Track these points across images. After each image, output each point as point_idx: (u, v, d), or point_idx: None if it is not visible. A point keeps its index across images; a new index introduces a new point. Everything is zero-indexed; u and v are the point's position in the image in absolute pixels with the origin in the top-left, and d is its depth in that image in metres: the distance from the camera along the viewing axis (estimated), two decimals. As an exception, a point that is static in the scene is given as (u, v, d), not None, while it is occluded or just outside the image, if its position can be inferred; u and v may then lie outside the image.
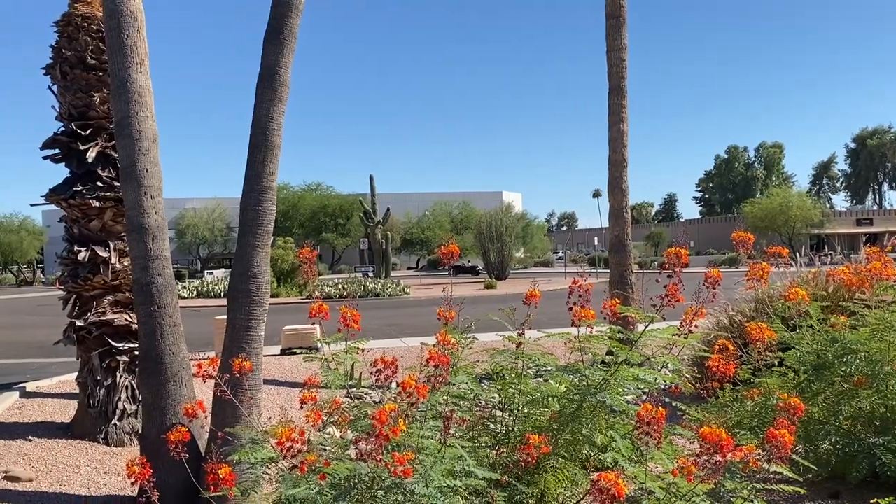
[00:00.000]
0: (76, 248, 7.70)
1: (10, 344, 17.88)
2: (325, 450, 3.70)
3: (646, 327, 4.05)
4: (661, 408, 3.08)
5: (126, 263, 7.57)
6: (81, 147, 7.66)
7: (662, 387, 4.25)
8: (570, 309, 3.84)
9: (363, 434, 3.12)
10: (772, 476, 3.64)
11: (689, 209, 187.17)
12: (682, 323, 3.95)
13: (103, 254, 7.65)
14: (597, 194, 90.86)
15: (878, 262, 5.82)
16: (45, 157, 7.90)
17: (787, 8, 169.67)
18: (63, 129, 7.90)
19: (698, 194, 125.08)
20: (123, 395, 7.53)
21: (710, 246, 72.25)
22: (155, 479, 3.19)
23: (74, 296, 7.82)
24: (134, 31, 5.86)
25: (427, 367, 3.45)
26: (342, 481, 3.12)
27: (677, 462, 3.21)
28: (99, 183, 7.67)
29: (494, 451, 4.10)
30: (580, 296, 3.84)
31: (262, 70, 5.45)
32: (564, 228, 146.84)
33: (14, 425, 7.99)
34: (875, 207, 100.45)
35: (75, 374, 8.15)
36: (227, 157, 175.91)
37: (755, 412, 4.93)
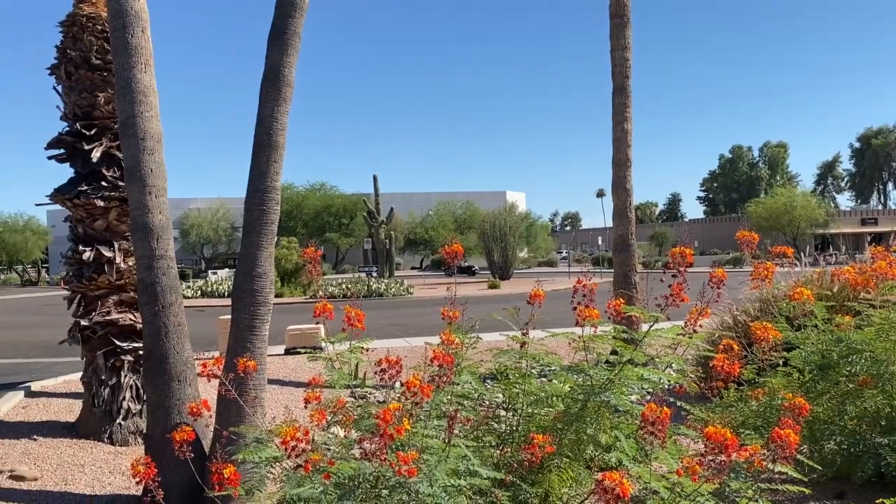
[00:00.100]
0: (81, 247, 7.72)
1: (16, 343, 17.93)
2: (329, 449, 3.70)
3: (650, 327, 4.04)
4: (665, 407, 3.07)
5: (131, 263, 7.59)
6: (86, 147, 7.68)
7: (667, 386, 4.24)
8: (575, 308, 3.83)
9: (367, 433, 3.12)
10: (776, 476, 3.63)
11: (693, 209, 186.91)
12: (686, 322, 3.94)
13: (108, 253, 7.67)
14: (601, 194, 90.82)
15: (883, 261, 5.80)
16: (49, 157, 7.93)
17: (791, 7, 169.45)
18: (68, 129, 7.93)
19: (702, 194, 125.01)
20: (128, 395, 7.55)
21: (713, 246, 72.18)
22: (159, 479, 3.20)
23: (79, 295, 7.84)
24: (138, 31, 5.87)
25: (431, 366, 3.45)
26: (346, 480, 3.12)
27: (682, 462, 3.20)
28: (104, 183, 7.69)
29: (499, 451, 4.10)
30: (584, 295, 3.83)
31: (266, 70, 5.46)
32: (568, 228, 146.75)
33: (19, 424, 8.01)
34: (880, 207, 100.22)
35: (80, 374, 8.18)
36: (231, 157, 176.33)
37: (760, 412, 4.92)
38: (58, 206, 8.11)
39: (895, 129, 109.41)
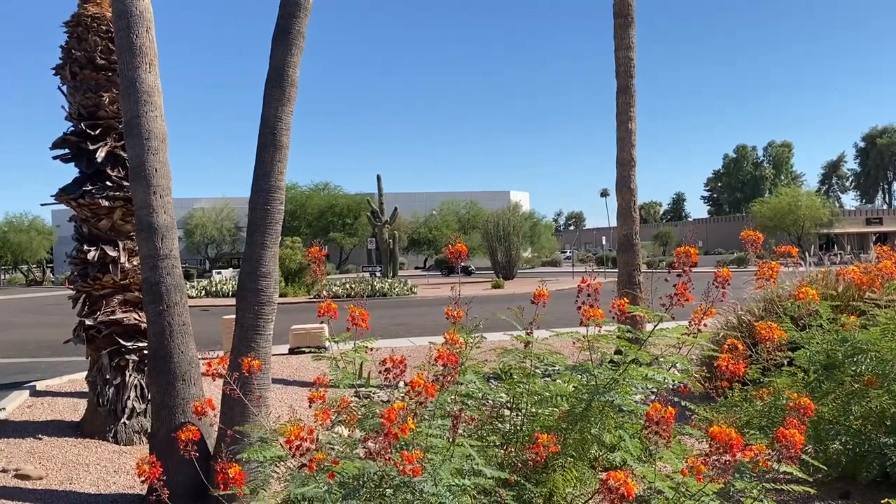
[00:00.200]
0: (86, 247, 7.74)
1: (21, 343, 17.99)
2: (333, 449, 3.70)
3: (655, 326, 4.04)
4: (670, 407, 3.07)
5: (135, 263, 7.61)
6: (91, 147, 7.70)
7: (671, 386, 4.23)
8: (579, 308, 3.83)
9: (372, 433, 3.12)
10: (781, 476, 3.62)
11: (697, 209, 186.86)
12: (691, 322, 3.93)
13: (113, 253, 7.69)
14: (605, 194, 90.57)
15: (888, 260, 5.79)
16: (54, 157, 7.95)
17: (795, 7, 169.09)
18: (73, 128, 7.95)
19: (706, 194, 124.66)
20: (132, 394, 7.57)
21: (718, 245, 71.99)
22: (164, 478, 3.20)
23: (84, 295, 7.86)
24: (143, 31, 5.89)
25: (435, 366, 3.45)
26: (351, 480, 3.12)
27: (686, 461, 3.19)
28: (108, 182, 7.71)
29: (503, 451, 4.10)
30: (589, 295, 3.83)
31: (270, 70, 5.47)
32: (572, 228, 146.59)
33: (24, 424, 8.04)
34: (885, 207, 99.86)
35: (85, 373, 8.20)
36: (236, 157, 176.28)
37: (765, 412, 4.91)
38: (63, 206, 8.13)
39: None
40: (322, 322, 11.29)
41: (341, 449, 3.73)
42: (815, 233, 64.47)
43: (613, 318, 4.06)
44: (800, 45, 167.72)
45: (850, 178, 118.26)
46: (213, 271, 54.60)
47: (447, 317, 4.32)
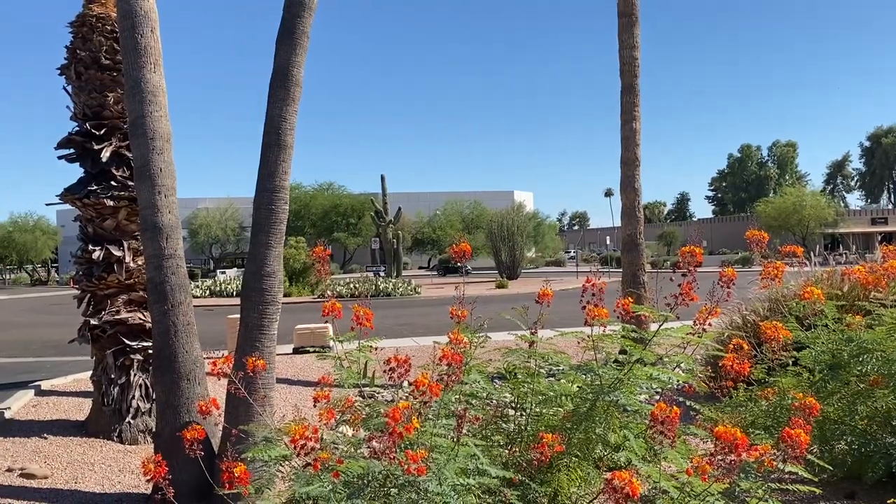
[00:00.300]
0: (90, 247, 7.76)
1: (26, 342, 18.04)
2: (337, 448, 3.70)
3: (659, 326, 4.03)
4: (675, 407, 3.06)
5: (140, 262, 7.62)
6: (96, 147, 7.72)
7: (676, 386, 4.23)
8: (584, 308, 3.82)
9: (377, 432, 3.12)
10: (787, 476, 3.61)
11: (701, 208, 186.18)
12: (695, 322, 3.93)
13: (117, 253, 7.71)
14: (609, 193, 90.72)
15: (894, 260, 5.77)
16: (59, 157, 7.97)
17: (799, 6, 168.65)
18: (77, 128, 7.97)
19: (711, 193, 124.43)
20: (137, 394, 7.58)
21: (722, 245, 71.91)
22: (169, 477, 3.21)
23: (89, 294, 7.88)
24: (147, 31, 5.90)
25: (440, 365, 3.45)
26: (355, 479, 3.12)
27: (691, 461, 3.19)
28: (113, 182, 7.73)
29: (507, 450, 4.10)
30: (594, 294, 3.82)
31: (274, 70, 5.47)
32: (576, 228, 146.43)
33: (29, 423, 8.06)
34: (890, 206, 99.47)
35: (90, 373, 8.22)
36: (240, 157, 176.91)
37: (770, 412, 4.90)
38: (68, 206, 8.16)
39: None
40: (326, 322, 11.31)
41: (346, 448, 3.73)
42: (819, 233, 64.36)
43: (618, 317, 4.05)
44: (803, 45, 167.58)
45: (856, 178, 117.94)
46: (218, 271, 54.72)
47: (451, 316, 4.32)
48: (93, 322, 7.65)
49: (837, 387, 5.17)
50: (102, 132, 7.77)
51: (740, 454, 2.82)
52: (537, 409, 4.28)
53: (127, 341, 7.58)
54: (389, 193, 51.62)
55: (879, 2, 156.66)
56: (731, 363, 4.01)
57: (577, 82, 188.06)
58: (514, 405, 4.42)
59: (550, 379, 4.58)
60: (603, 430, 3.95)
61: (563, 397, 4.18)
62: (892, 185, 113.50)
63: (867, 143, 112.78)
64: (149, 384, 7.57)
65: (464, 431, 3.32)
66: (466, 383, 4.01)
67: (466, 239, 4.66)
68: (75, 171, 7.94)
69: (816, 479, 3.81)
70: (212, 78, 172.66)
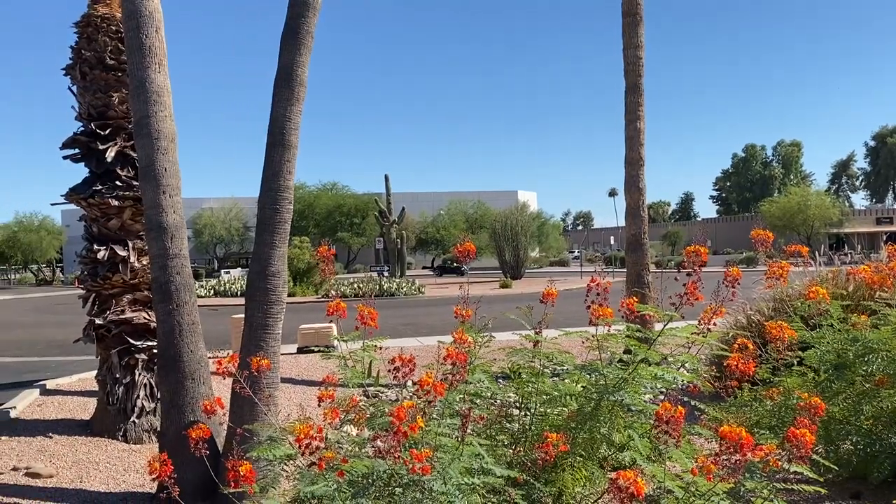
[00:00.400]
0: (95, 246, 7.78)
1: (31, 342, 18.09)
2: (342, 447, 3.71)
3: (664, 326, 4.02)
4: (679, 407, 3.06)
5: (145, 262, 7.64)
6: (101, 147, 7.73)
7: (681, 386, 4.22)
8: (588, 307, 3.82)
9: (381, 431, 3.12)
10: (792, 476, 3.61)
11: (705, 208, 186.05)
12: (700, 321, 3.92)
13: (122, 252, 7.72)
14: (613, 193, 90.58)
15: (899, 260, 5.75)
16: (64, 157, 7.99)
17: (804, 5, 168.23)
18: (82, 128, 7.98)
19: (715, 193, 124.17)
20: (142, 393, 7.60)
21: (727, 245, 71.75)
22: (175, 476, 3.22)
23: (94, 294, 7.90)
24: (152, 31, 5.91)
25: (444, 364, 3.45)
26: (360, 478, 3.12)
27: (696, 461, 3.18)
28: (118, 182, 7.74)
29: (512, 450, 4.09)
30: (598, 294, 3.82)
31: (279, 69, 5.47)
32: (580, 228, 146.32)
33: (35, 422, 8.08)
34: (895, 206, 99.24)
35: (94, 372, 8.23)
36: (244, 157, 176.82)
37: (774, 411, 4.89)
38: (72, 206, 8.17)
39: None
40: (330, 321, 11.32)
41: (350, 448, 3.73)
42: (824, 232, 64.21)
43: (622, 317, 4.05)
44: (803, 45, 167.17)
45: (861, 178, 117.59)
46: (222, 271, 54.80)
47: (456, 316, 4.32)
48: (98, 322, 7.67)
49: (843, 387, 5.16)
50: (107, 132, 7.79)
51: (745, 454, 2.81)
52: (542, 409, 4.27)
53: (132, 341, 7.60)
54: (393, 193, 51.69)
55: (879, 2, 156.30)
56: (735, 363, 4.00)
57: (577, 82, 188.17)
58: (518, 405, 4.42)
59: (555, 378, 4.57)
60: (607, 430, 3.94)
61: (568, 397, 4.17)
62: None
63: (872, 143, 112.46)
64: (153, 384, 7.59)
65: (468, 431, 3.32)
66: (471, 383, 4.01)
67: (470, 239, 4.65)
68: (80, 171, 7.97)
69: (822, 479, 3.80)
70: (216, 78, 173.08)
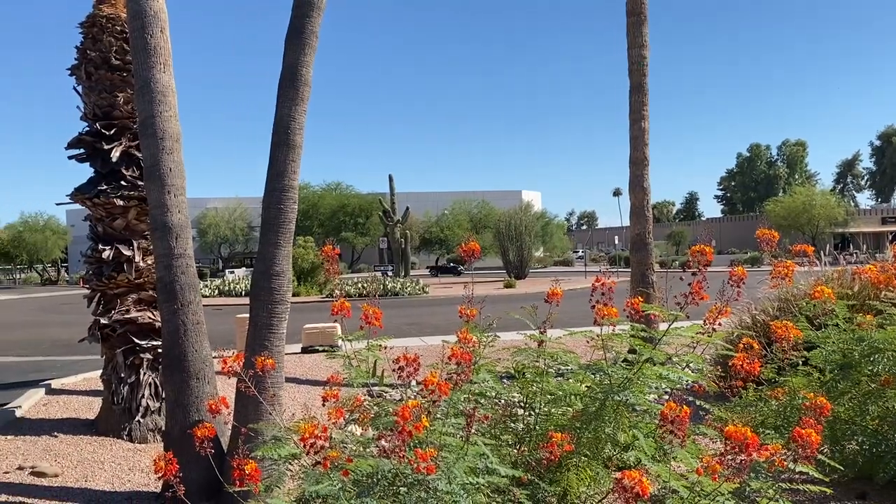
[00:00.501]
0: (100, 246, 7.79)
1: (36, 341, 18.13)
2: (346, 447, 3.71)
3: (669, 325, 4.02)
4: (685, 406, 3.05)
5: (150, 262, 7.65)
6: (106, 147, 7.75)
7: (686, 385, 4.22)
8: (593, 307, 3.82)
9: (386, 431, 3.12)
10: (797, 476, 3.60)
11: (710, 208, 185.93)
12: (705, 321, 3.91)
13: (127, 252, 7.74)
14: (617, 193, 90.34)
15: (905, 260, 5.73)
16: (70, 157, 8.01)
17: (800, 5, 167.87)
18: (88, 128, 8.00)
19: (720, 193, 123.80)
20: (147, 393, 7.61)
21: (731, 245, 71.62)
22: (180, 475, 3.22)
23: (99, 294, 7.91)
24: (157, 31, 5.92)
25: (449, 364, 3.45)
26: (365, 478, 3.13)
27: (702, 461, 3.18)
28: (123, 182, 7.76)
29: (516, 450, 4.09)
30: (603, 294, 3.81)
31: (283, 69, 5.48)
32: (584, 227, 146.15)
33: (40, 421, 8.10)
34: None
35: (99, 372, 8.25)
36: (249, 157, 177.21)
37: (780, 411, 4.88)
38: (77, 206, 8.20)
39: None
40: (335, 321, 11.33)
41: (354, 447, 3.74)
42: (829, 232, 64.04)
43: (627, 317, 4.04)
44: (803, 45, 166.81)
45: (866, 177, 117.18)
46: (226, 271, 54.91)
47: (460, 315, 4.32)
48: (103, 321, 7.68)
49: (848, 386, 5.14)
50: (112, 132, 7.81)
51: (751, 454, 2.80)
52: (546, 409, 4.27)
53: (137, 340, 7.61)
54: (397, 193, 51.71)
55: (879, 2, 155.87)
56: (741, 362, 3.99)
57: (577, 82, 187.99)
58: (523, 404, 4.42)
59: (559, 378, 4.57)
60: (612, 430, 3.94)
61: (573, 396, 4.17)
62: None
63: (878, 143, 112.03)
64: (158, 383, 7.61)
65: (473, 430, 3.31)
66: (475, 382, 4.00)
67: (474, 238, 4.65)
68: (85, 171, 7.99)
69: (827, 480, 3.79)
70: (221, 78, 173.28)
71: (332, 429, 3.35)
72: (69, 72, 8.09)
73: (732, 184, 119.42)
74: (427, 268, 60.93)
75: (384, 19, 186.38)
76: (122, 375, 7.58)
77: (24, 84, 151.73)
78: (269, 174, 5.42)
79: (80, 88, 8.06)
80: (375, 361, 4.41)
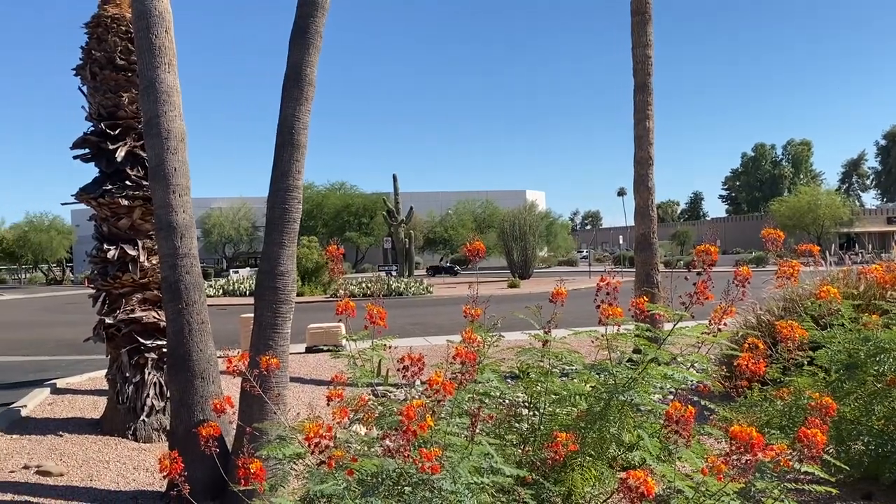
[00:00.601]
0: (105, 246, 7.81)
1: (41, 341, 18.19)
2: (350, 446, 3.71)
3: (674, 325, 4.01)
4: (689, 406, 3.05)
5: (154, 261, 7.67)
6: (111, 146, 7.77)
7: (691, 385, 4.21)
8: (598, 306, 3.81)
9: (390, 430, 3.12)
10: (803, 476, 3.59)
11: (715, 208, 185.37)
12: (710, 321, 3.90)
13: (132, 252, 7.75)
14: (622, 193, 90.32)
15: (911, 259, 5.71)
16: (75, 157, 8.03)
17: (800, 5, 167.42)
18: (92, 128, 8.02)
19: (725, 193, 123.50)
20: (152, 392, 7.63)
21: (736, 245, 71.48)
22: (185, 474, 3.23)
23: (104, 293, 7.93)
24: (162, 31, 5.93)
25: (453, 364, 3.45)
26: (369, 477, 3.13)
27: (707, 461, 3.17)
28: (128, 182, 7.77)
29: (521, 449, 4.09)
30: (608, 293, 3.81)
31: (288, 69, 5.48)
32: (588, 227, 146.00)
33: (45, 421, 8.12)
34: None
35: (104, 371, 8.27)
36: (253, 157, 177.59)
37: (785, 411, 4.86)
38: (82, 206, 8.22)
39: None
40: (339, 321, 11.35)
41: (359, 447, 3.73)
42: (834, 232, 63.85)
43: (632, 317, 4.04)
44: (803, 45, 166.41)
45: (871, 177, 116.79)
46: (231, 270, 55.01)
47: (465, 315, 4.31)
48: (108, 321, 7.70)
49: (854, 386, 5.13)
50: (117, 132, 7.82)
51: (756, 454, 2.80)
52: (551, 409, 4.27)
53: (141, 340, 7.63)
54: (401, 193, 51.68)
55: (879, 2, 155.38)
56: (746, 362, 3.99)
57: (577, 82, 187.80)
58: (527, 404, 4.41)
59: (564, 378, 4.56)
60: (617, 430, 3.93)
61: (577, 396, 4.16)
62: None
63: (883, 142, 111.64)
64: (163, 382, 7.62)
65: (477, 430, 3.31)
66: (480, 382, 4.00)
67: (478, 238, 4.65)
68: (90, 171, 8.01)
69: (833, 480, 3.77)
70: (225, 78, 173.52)
71: (336, 428, 3.35)
72: (74, 72, 8.11)
73: (737, 183, 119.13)
74: (426, 268, 61.00)
75: (385, 19, 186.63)
76: (127, 375, 7.59)
77: (30, 84, 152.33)
78: (274, 174, 5.43)
79: (84, 88, 8.08)
80: (380, 361, 4.42)
